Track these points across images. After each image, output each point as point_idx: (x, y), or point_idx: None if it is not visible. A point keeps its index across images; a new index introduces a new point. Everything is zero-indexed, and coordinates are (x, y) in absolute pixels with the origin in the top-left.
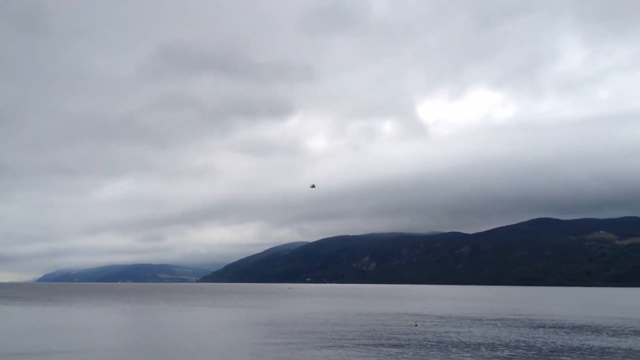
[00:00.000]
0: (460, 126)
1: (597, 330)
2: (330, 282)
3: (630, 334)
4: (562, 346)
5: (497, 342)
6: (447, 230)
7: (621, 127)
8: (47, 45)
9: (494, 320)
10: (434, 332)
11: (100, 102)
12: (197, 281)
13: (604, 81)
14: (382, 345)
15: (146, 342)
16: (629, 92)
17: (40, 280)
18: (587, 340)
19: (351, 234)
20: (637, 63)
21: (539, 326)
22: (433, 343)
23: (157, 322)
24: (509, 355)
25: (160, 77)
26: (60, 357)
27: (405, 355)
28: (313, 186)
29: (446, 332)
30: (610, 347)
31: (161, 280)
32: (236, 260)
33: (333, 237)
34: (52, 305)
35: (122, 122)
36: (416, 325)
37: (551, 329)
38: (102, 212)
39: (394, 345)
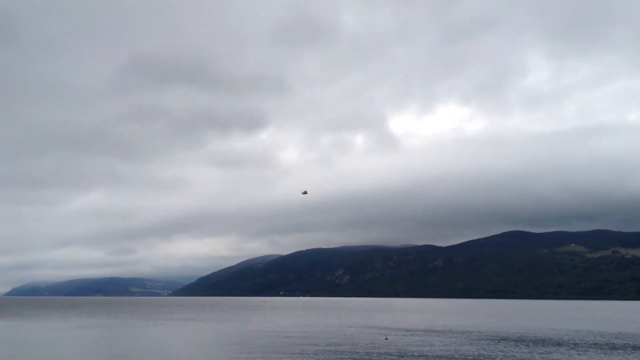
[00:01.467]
0: (430, 139)
1: (558, 343)
2: (303, 296)
3: (591, 347)
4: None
5: (459, 356)
6: (420, 243)
7: (588, 141)
8: (16, 55)
9: (459, 333)
10: (405, 345)
11: (70, 113)
12: (168, 295)
13: (569, 97)
14: (352, 359)
15: (116, 358)
16: (594, 107)
17: (9, 294)
18: (547, 353)
19: (324, 246)
20: (601, 79)
21: (502, 339)
22: (401, 356)
23: (126, 337)
24: None
25: (131, 89)
26: None
27: None
28: (305, 192)
29: (417, 345)
30: None
31: (132, 294)
32: (208, 273)
33: (306, 250)
34: (17, 319)
35: (92, 133)
36: (387, 339)
37: (513, 342)
38: (72, 225)
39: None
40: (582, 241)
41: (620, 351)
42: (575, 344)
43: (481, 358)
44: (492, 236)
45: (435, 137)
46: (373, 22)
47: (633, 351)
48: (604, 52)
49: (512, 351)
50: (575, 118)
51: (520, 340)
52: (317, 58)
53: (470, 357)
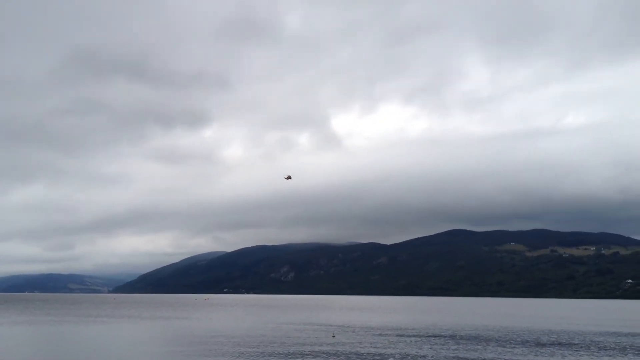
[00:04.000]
0: (373, 139)
1: (488, 339)
2: (248, 293)
3: (519, 344)
4: (447, 356)
5: (400, 352)
6: (365, 241)
7: (525, 142)
8: None
9: (397, 329)
10: (353, 343)
11: (9, 105)
12: (109, 292)
13: (508, 100)
14: (296, 357)
15: (50, 357)
16: (531, 110)
17: None
18: (475, 350)
19: (269, 243)
20: (536, 84)
21: (435, 336)
22: (351, 354)
23: (61, 335)
24: None
25: (72, 82)
26: None
27: None
28: (289, 177)
29: (364, 343)
30: (496, 358)
31: (71, 290)
32: (151, 270)
33: (251, 247)
34: None
35: (32, 126)
36: (334, 337)
37: (446, 339)
38: (9, 219)
39: (306, 357)
40: (521, 240)
41: (547, 348)
42: (505, 341)
43: (415, 354)
44: (435, 234)
45: (378, 137)
46: (317, 23)
47: (559, 348)
48: (539, 57)
49: (443, 348)
50: (513, 121)
51: (452, 337)
52: (262, 56)
53: (407, 354)
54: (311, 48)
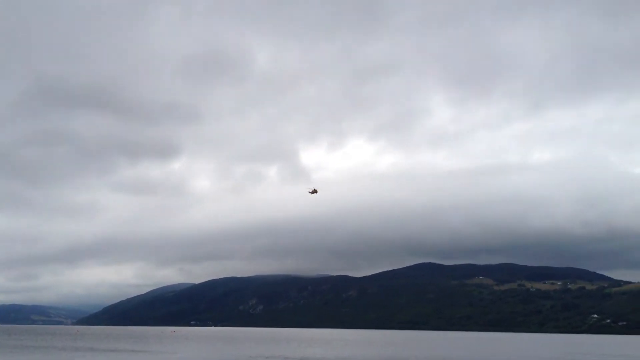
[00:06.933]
0: (341, 173)
1: None
2: (216, 325)
3: None
4: None
5: None
6: (334, 274)
7: (492, 178)
8: None
9: None
10: None
11: None
12: (73, 324)
13: (472, 136)
14: None
15: None
16: (496, 146)
17: None
18: None
19: (238, 275)
20: (499, 122)
21: None
22: None
23: None
24: None
25: (37, 112)
26: None
27: None
28: (315, 191)
29: None
30: None
31: (34, 322)
32: (116, 302)
33: (219, 279)
34: None
35: None
36: None
37: None
38: None
39: None
40: (490, 274)
41: None
42: None
43: None
44: (404, 267)
45: (346, 171)
46: (284, 61)
47: None
48: (500, 98)
49: None
50: (480, 156)
51: None
52: (231, 91)
53: None
54: (279, 85)
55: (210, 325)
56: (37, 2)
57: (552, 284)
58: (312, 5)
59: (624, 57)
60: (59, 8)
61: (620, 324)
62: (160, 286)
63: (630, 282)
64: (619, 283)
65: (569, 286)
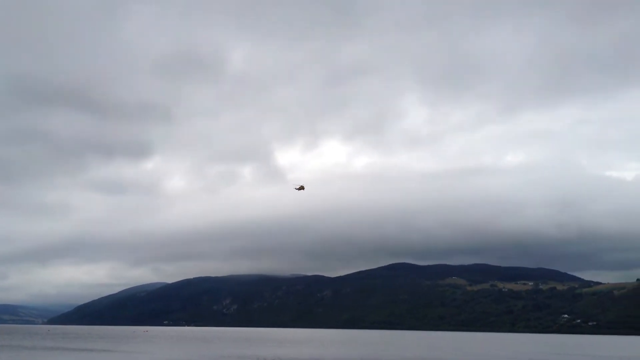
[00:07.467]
0: (316, 173)
1: None
2: (189, 325)
3: None
4: None
5: None
6: (309, 273)
7: (466, 179)
8: None
9: None
10: None
11: None
12: (44, 323)
13: (447, 138)
14: None
15: None
16: (470, 148)
17: None
18: None
19: (212, 275)
20: (473, 124)
21: None
22: None
23: None
24: None
25: (10, 111)
26: None
27: None
28: (301, 188)
29: None
30: None
31: (3, 321)
32: (87, 301)
33: (193, 279)
34: None
35: None
36: None
37: None
38: None
39: None
40: (463, 274)
41: None
42: None
43: None
44: (378, 268)
45: (321, 172)
46: (259, 62)
47: None
48: (475, 100)
49: None
50: (454, 158)
51: None
52: (206, 91)
53: None
54: (254, 85)
55: (184, 325)
56: (11, 1)
57: (524, 284)
58: (288, 6)
59: (596, 61)
60: (33, 7)
61: (590, 324)
62: (132, 286)
63: (600, 283)
64: (589, 284)
65: (541, 287)
